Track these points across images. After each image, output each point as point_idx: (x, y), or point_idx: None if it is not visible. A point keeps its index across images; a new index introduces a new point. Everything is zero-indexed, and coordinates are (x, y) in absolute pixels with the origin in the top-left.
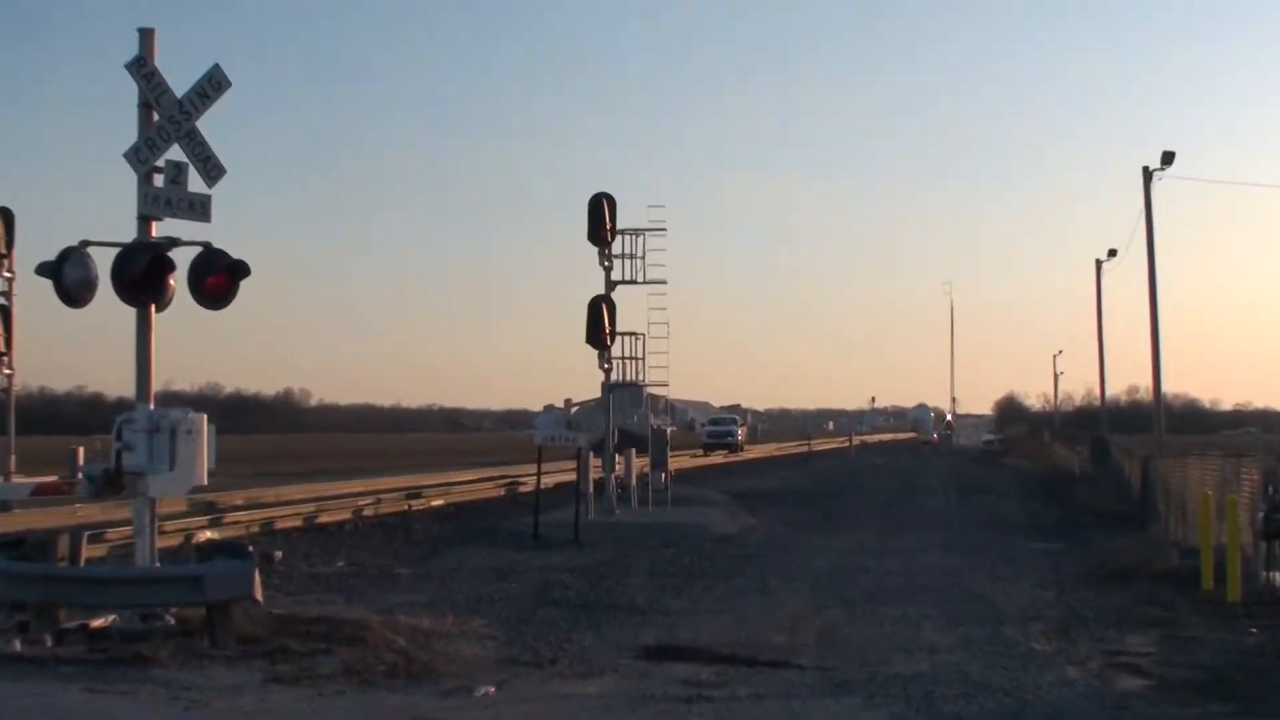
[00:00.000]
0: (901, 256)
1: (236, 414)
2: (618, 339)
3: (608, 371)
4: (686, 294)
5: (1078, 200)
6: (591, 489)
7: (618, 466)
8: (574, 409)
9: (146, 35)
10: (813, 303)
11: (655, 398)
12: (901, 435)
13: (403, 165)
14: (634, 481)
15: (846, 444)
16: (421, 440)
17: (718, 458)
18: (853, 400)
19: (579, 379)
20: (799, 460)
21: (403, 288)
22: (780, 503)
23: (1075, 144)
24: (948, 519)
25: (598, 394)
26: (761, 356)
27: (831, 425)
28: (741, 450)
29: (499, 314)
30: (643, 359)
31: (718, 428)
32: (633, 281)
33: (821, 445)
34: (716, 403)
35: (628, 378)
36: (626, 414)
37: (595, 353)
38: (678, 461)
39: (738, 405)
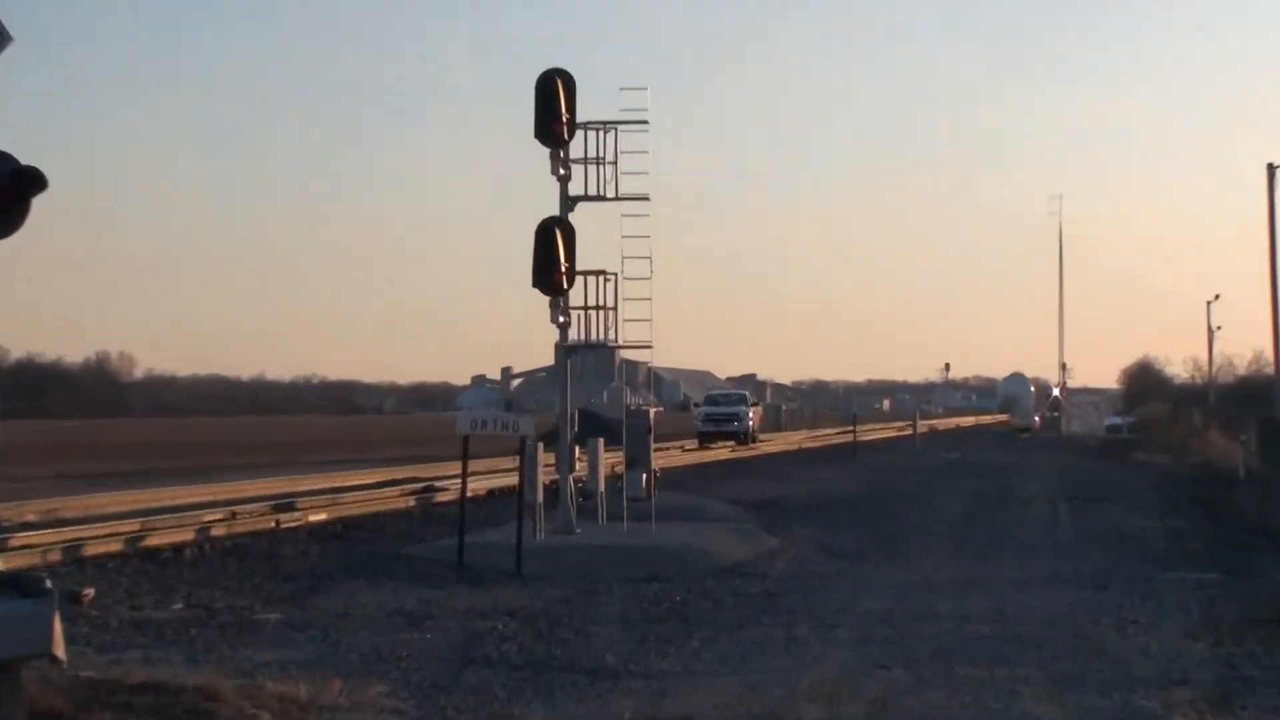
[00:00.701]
0: (986, 168)
1: (28, 391)
2: (578, 280)
3: (564, 327)
4: (678, 219)
5: (1238, 92)
6: (540, 497)
7: (578, 465)
8: (515, 382)
9: None
10: (858, 235)
11: (633, 365)
12: (986, 418)
13: (258, 40)
14: (602, 486)
15: (908, 431)
16: (296, 427)
17: (722, 451)
18: (916, 369)
19: (523, 339)
20: (840, 454)
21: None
22: (813, 517)
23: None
24: (1055, 539)
25: (549, 361)
26: (786, 309)
27: (886, 404)
28: (755, 441)
29: (407, 249)
30: (615, 309)
31: (718, 409)
32: (600, 197)
33: (872, 432)
34: (722, 373)
35: (593, 337)
36: (591, 389)
37: (545, 301)
38: (665, 457)
39: (751, 377)
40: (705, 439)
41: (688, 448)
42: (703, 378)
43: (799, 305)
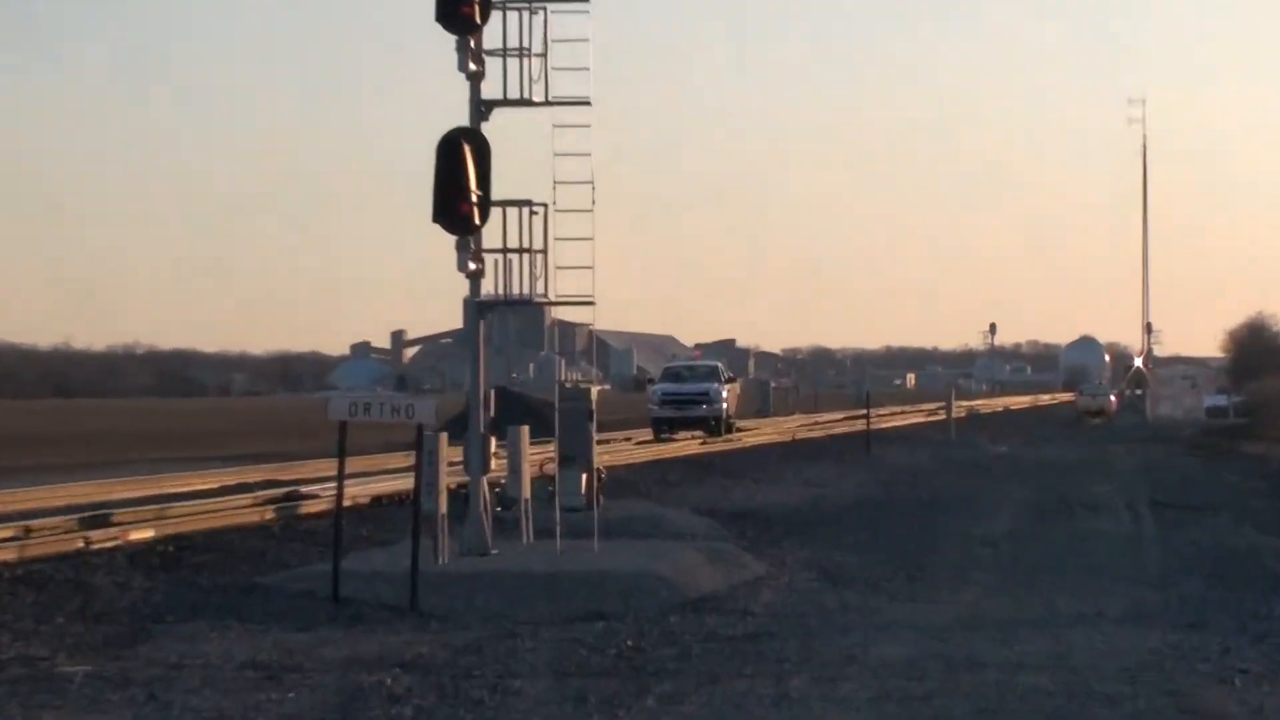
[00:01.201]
0: (1045, 69)
1: None
2: (495, 214)
3: (475, 277)
4: (631, 135)
5: None
6: (444, 507)
7: (495, 463)
8: (410, 352)
9: None
10: (872, 158)
11: (569, 329)
12: (1045, 397)
13: None
14: (526, 492)
15: (939, 415)
16: (112, 413)
17: (688, 444)
18: (951, 333)
19: (420, 294)
20: (848, 448)
21: (71, 131)
22: (811, 532)
23: None
24: (1137, 562)
25: (455, 323)
26: (775, 256)
27: (910, 380)
28: (732, 430)
29: (257, 176)
30: (544, 253)
31: (680, 388)
32: (525, 101)
33: (891, 418)
34: (689, 339)
35: (514, 290)
36: (514, 361)
37: (450, 242)
38: (613, 452)
39: (729, 344)
40: (663, 428)
41: (642, 439)
42: (663, 345)
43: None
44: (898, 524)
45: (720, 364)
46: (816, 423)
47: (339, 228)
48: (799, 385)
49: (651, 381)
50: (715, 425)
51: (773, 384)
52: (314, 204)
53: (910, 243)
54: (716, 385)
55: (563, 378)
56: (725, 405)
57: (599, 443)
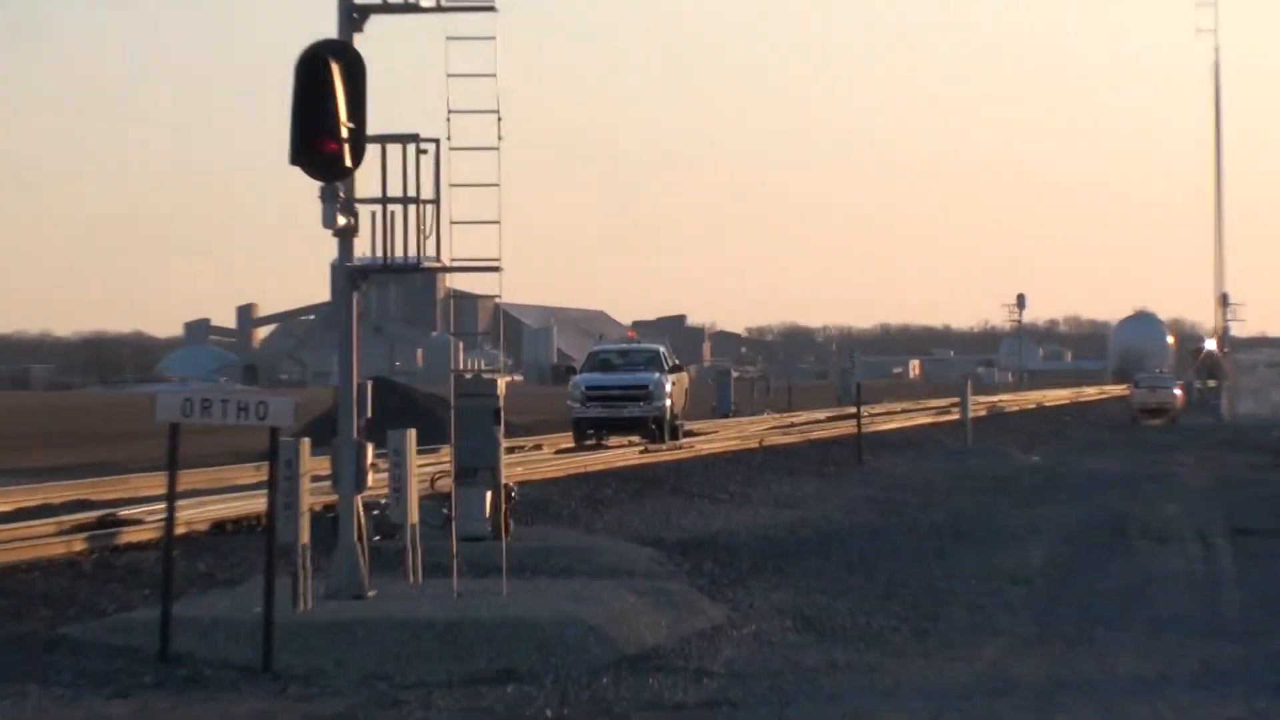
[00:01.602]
0: None
1: None
2: (372, 153)
3: (346, 235)
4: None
5: None
6: (307, 536)
7: (372, 477)
8: (263, 333)
9: None
10: (862, 84)
11: (469, 303)
12: (1090, 390)
13: None
14: (414, 516)
15: (953, 414)
16: None
17: (624, 453)
18: (966, 308)
19: (275, 258)
20: (833, 456)
21: None
22: (786, 567)
23: None
24: (1212, 607)
25: (320, 295)
26: (736, 208)
27: (914, 368)
28: (679, 434)
29: (62, 100)
30: (436, 204)
31: (610, 379)
32: (412, 7)
33: (890, 418)
34: (625, 315)
35: (398, 252)
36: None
37: (313, 190)
38: (528, 463)
39: (677, 321)
40: (588, 431)
41: (564, 446)
42: (591, 323)
43: (759, 203)
44: (900, 556)
45: (663, 348)
46: (792, 424)
47: (168, 173)
48: (768, 375)
49: (573, 371)
50: (656, 428)
51: (734, 374)
52: (135, 143)
53: (911, 192)
54: (657, 375)
55: (461, 366)
56: (669, 402)
57: (509, 451)
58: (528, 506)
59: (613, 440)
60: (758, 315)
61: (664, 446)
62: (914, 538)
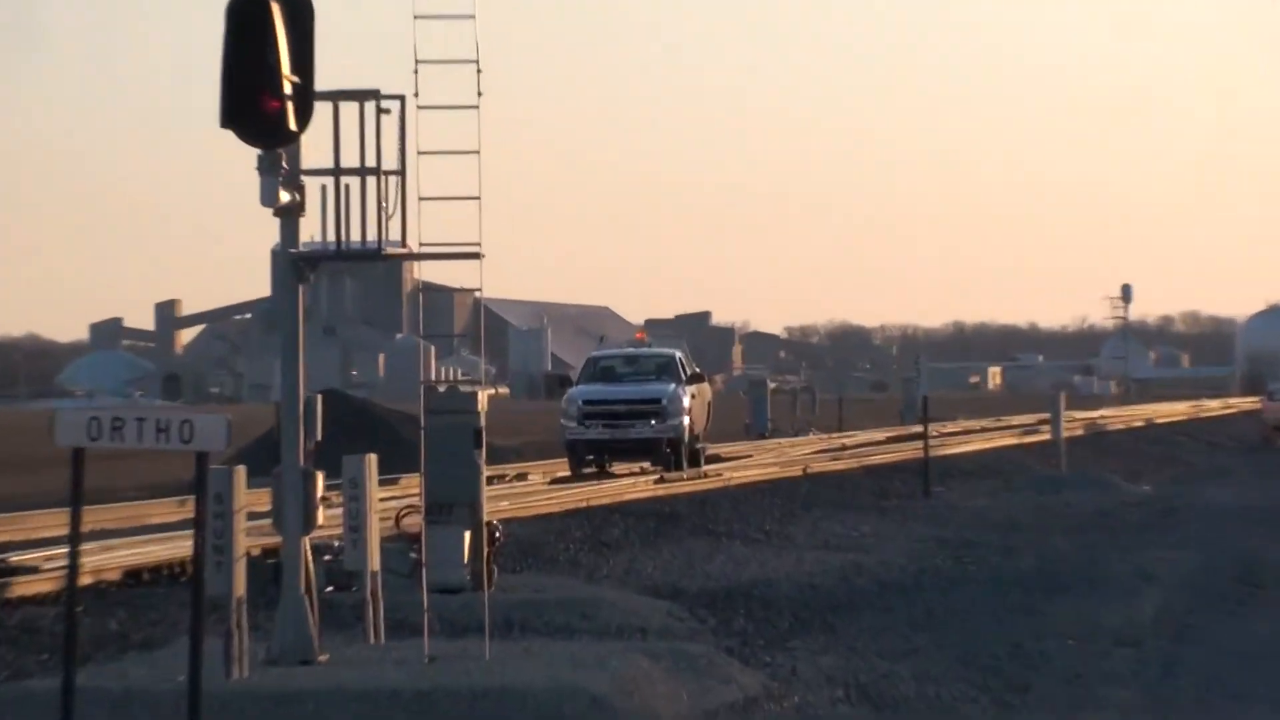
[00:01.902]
0: None
1: None
2: (322, 112)
3: (290, 214)
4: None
5: None
6: (243, 587)
7: (323, 513)
8: (188, 335)
9: None
10: (930, 37)
11: (443, 297)
12: (1213, 404)
13: None
14: (375, 563)
15: (1042, 434)
16: None
17: (635, 483)
18: (1058, 304)
19: (204, 245)
20: (894, 485)
21: None
22: (840, 625)
23: None
24: None
25: (259, 288)
26: (777, 192)
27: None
28: (701, 460)
29: None
30: (401, 175)
31: (613, 392)
32: None
33: (964, 439)
34: (637, 313)
35: (353, 236)
36: (353, 350)
37: (251, 160)
38: (517, 496)
39: (700, 319)
40: (586, 457)
41: (561, 475)
42: (593, 322)
43: (804, 179)
44: (978, 611)
45: (679, 353)
46: (844, 446)
47: (71, 141)
48: (814, 386)
49: (569, 382)
50: (672, 452)
51: (771, 384)
52: (35, 105)
53: (991, 166)
54: (673, 387)
55: (433, 376)
56: (687, 420)
57: (493, 481)
58: (515, 550)
59: (619, 467)
60: (800, 312)
61: (683, 475)
62: (995, 588)
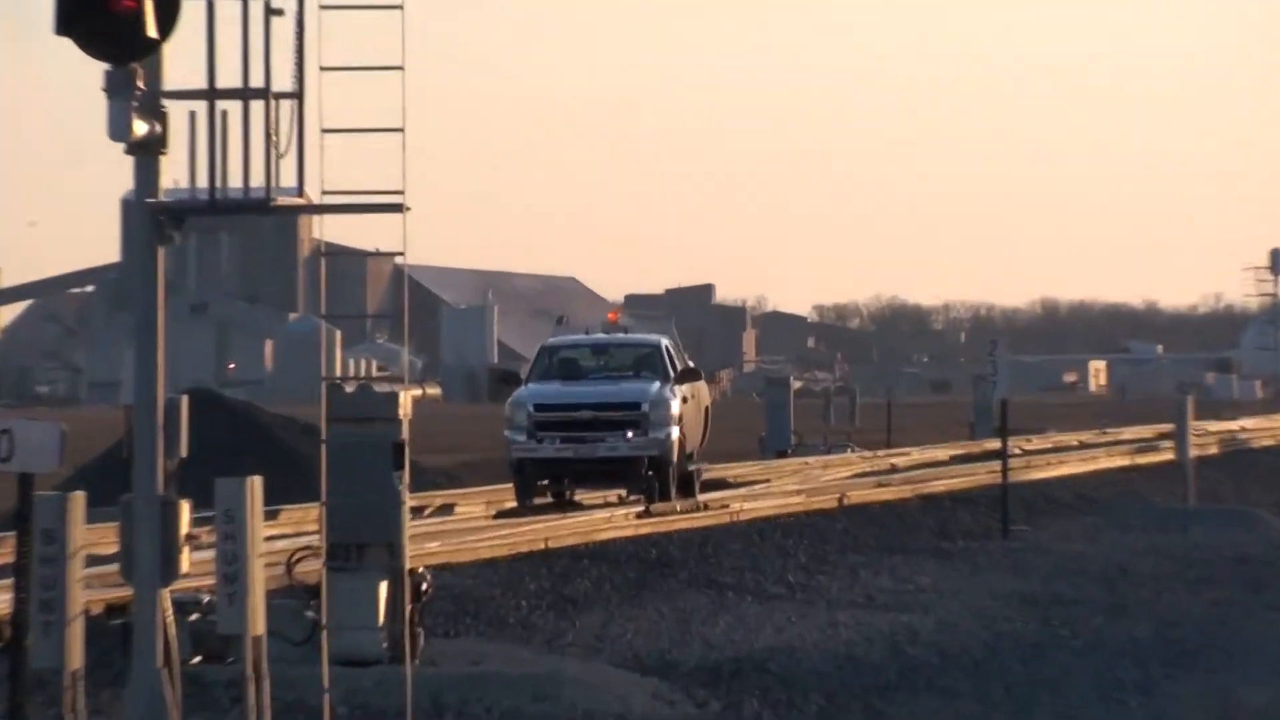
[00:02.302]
0: None
1: None
2: (190, 11)
3: (148, 150)
4: None
5: None
6: (80, 657)
7: (187, 555)
8: (11, 314)
9: None
10: None
11: (352, 265)
12: None
13: None
14: (259, 625)
15: (1163, 450)
16: None
17: (613, 516)
18: (1181, 280)
19: (30, 193)
20: (963, 520)
21: None
22: (887, 709)
23: None
24: None
25: (104, 255)
26: (802, 124)
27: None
28: (695, 485)
29: None
30: (299, 100)
31: (574, 393)
32: None
33: (1056, 459)
34: (612, 288)
35: (231, 181)
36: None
37: (96, 77)
38: (449, 535)
39: (701, 293)
40: (538, 481)
41: (510, 505)
42: (556, 297)
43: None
44: (1076, 691)
45: (666, 340)
46: (893, 467)
47: None
48: (853, 386)
49: (516, 380)
50: (656, 476)
51: (795, 383)
52: None
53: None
54: (657, 387)
55: (339, 371)
56: (676, 431)
57: (419, 513)
58: (449, 606)
59: (585, 496)
60: (835, 287)
61: (675, 507)
62: (1099, 660)
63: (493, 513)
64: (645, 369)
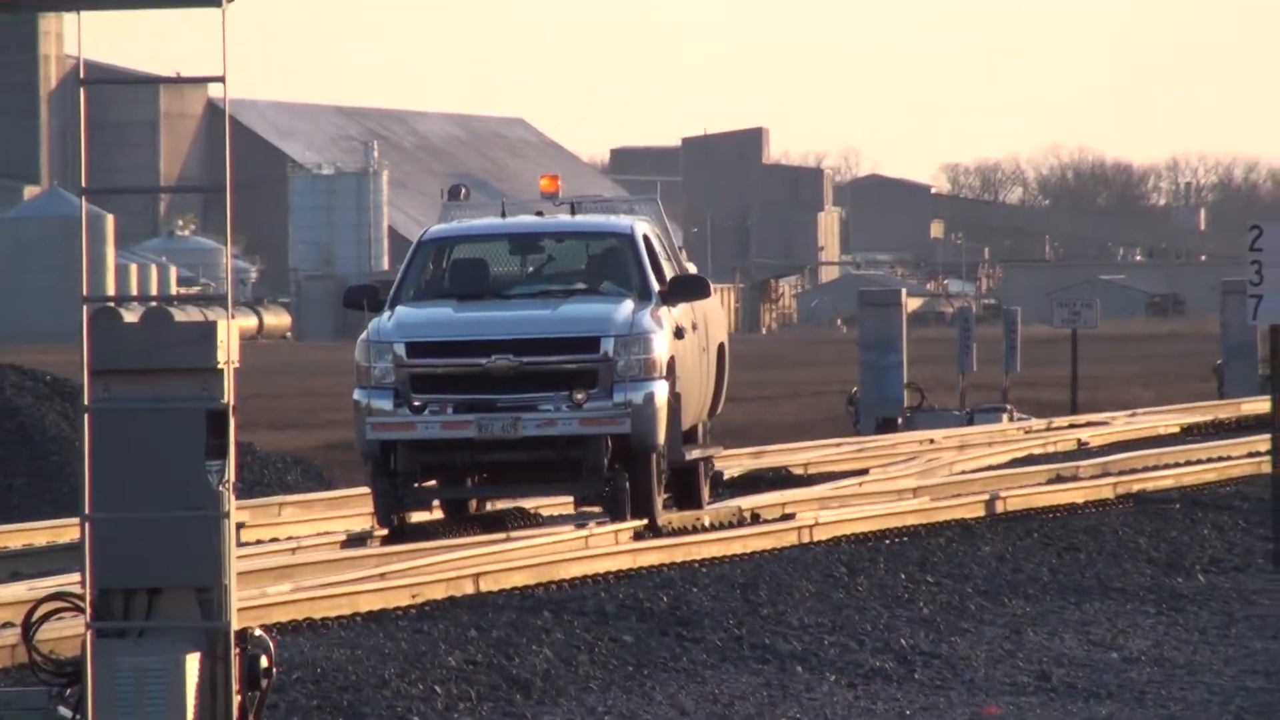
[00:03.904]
0: None
1: None
2: None
3: None
4: None
5: None
6: None
7: None
8: None
9: None
10: None
11: (108, 89)
12: None
13: None
14: None
15: None
16: None
17: (589, 533)
18: None
19: None
20: (1191, 541)
21: None
22: None
23: None
24: None
25: None
26: None
27: None
28: (699, 482)
29: None
30: None
31: (477, 321)
32: None
33: None
34: (599, 139)
35: None
36: None
37: None
38: (307, 574)
39: (749, 140)
40: (412, 484)
41: (416, 519)
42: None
43: None
44: None
45: (644, 225)
46: (1081, 445)
47: None
48: (1010, 305)
49: (376, 301)
50: (625, 473)
51: (911, 300)
52: None
53: None
54: (625, 308)
55: (109, 288)
56: (664, 388)
57: (248, 538)
58: (308, 700)
59: (536, 502)
60: (977, 136)
61: (700, 519)
62: None
63: (378, 530)
64: (607, 278)
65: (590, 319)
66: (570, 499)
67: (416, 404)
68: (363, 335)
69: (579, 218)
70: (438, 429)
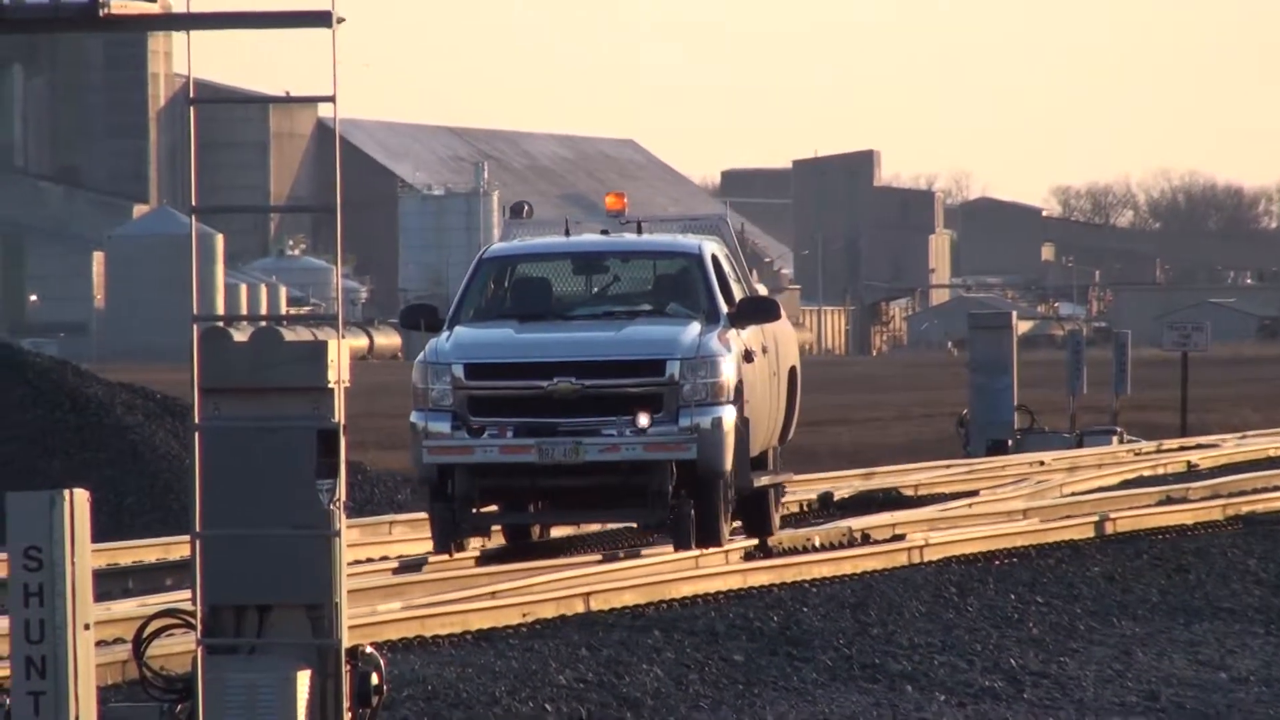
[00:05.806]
0: None
1: None
2: None
3: None
4: None
5: None
6: None
7: None
8: None
9: None
10: None
11: (219, 108)
12: None
13: None
14: None
15: None
16: None
17: (697, 552)
18: None
19: None
20: None
21: None
22: None
23: None
24: None
25: None
26: None
27: None
28: (772, 512)
29: None
30: None
31: (537, 343)
32: None
33: None
34: (707, 164)
35: None
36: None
37: None
38: (418, 591)
39: (860, 163)
40: (466, 515)
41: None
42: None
43: None
44: None
45: (713, 246)
46: (1191, 466)
47: None
48: (1121, 329)
49: (435, 321)
50: (690, 501)
51: (1022, 322)
52: None
53: None
54: (692, 331)
55: (219, 306)
56: (732, 413)
57: (358, 556)
58: (421, 713)
59: (589, 527)
60: (1088, 159)
61: (812, 539)
62: None
63: (479, 550)
64: (674, 299)
65: (656, 341)
66: (630, 523)
67: (475, 427)
68: (420, 356)
69: (645, 237)
70: (496, 453)
